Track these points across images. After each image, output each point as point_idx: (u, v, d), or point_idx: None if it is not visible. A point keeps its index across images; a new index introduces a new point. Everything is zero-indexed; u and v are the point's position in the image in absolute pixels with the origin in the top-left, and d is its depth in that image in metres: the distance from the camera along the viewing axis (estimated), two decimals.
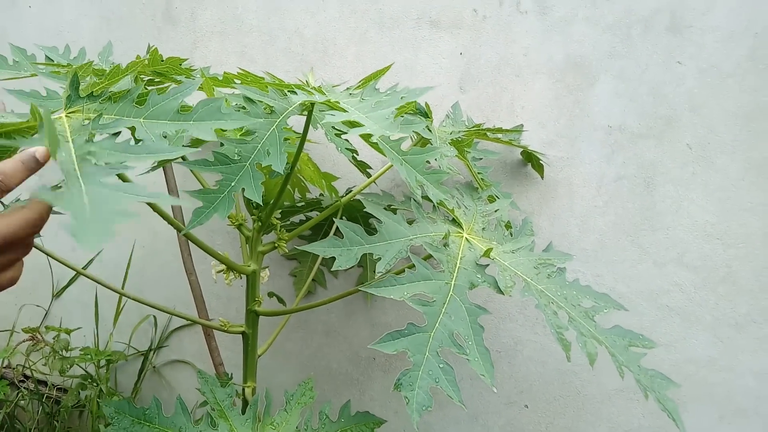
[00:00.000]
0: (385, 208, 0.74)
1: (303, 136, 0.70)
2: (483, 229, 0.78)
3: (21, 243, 0.48)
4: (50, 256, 0.84)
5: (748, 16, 0.85)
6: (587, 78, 0.94)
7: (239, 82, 0.73)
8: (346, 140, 0.81)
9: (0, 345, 1.48)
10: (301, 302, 1.03)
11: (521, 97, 0.98)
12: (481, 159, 0.94)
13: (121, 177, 0.66)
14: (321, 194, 1.05)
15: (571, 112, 0.96)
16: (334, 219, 0.94)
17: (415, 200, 0.72)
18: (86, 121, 0.53)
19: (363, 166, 0.97)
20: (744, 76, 0.86)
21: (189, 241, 0.99)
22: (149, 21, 1.21)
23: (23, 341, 1.35)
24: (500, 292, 0.66)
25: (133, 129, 0.55)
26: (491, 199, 0.88)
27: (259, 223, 0.83)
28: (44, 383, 1.48)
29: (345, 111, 0.60)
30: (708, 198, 0.91)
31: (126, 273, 1.29)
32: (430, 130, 0.80)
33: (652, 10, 0.89)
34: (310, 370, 1.23)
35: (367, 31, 1.06)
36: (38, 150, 0.49)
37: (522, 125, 0.98)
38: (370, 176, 0.92)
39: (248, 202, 0.86)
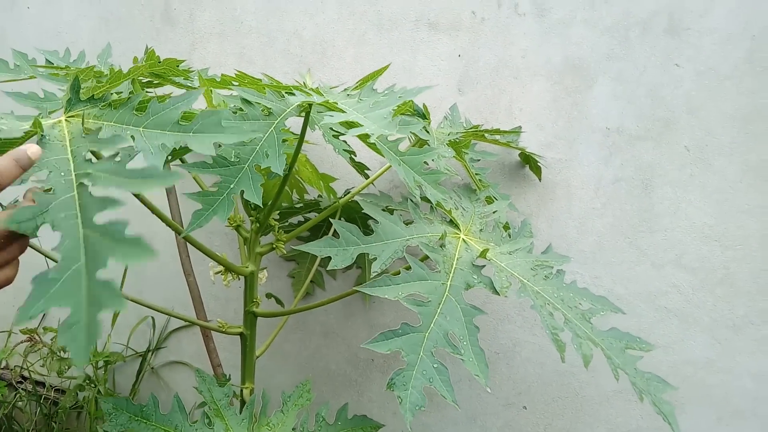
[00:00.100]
0: (382, 209, 0.74)
1: (301, 138, 0.71)
2: (480, 230, 0.79)
3: (16, 242, 0.48)
4: (48, 257, 0.84)
5: (745, 19, 0.85)
6: (585, 80, 0.95)
7: (237, 83, 0.73)
8: (344, 141, 0.82)
9: None
10: (299, 303, 1.03)
11: (519, 99, 0.99)
12: (479, 160, 0.94)
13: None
14: (319, 195, 1.05)
15: (569, 114, 0.96)
16: (331, 219, 0.94)
17: (412, 201, 0.72)
18: (86, 134, 0.53)
19: (361, 168, 0.97)
20: (741, 79, 0.86)
21: (187, 243, 0.99)
22: (148, 22, 1.21)
23: (21, 342, 1.35)
24: (496, 292, 0.66)
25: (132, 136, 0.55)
26: (489, 201, 0.88)
27: (257, 225, 0.84)
28: (42, 384, 1.48)
29: (343, 111, 0.60)
30: (706, 200, 0.91)
31: (124, 274, 1.29)
32: (428, 131, 0.80)
33: (650, 12, 0.89)
34: (308, 371, 1.23)
35: (366, 32, 1.06)
36: (30, 147, 0.49)
37: (520, 127, 0.98)
38: (369, 177, 0.93)
39: (246, 204, 0.86)
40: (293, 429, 0.83)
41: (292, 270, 1.16)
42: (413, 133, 0.82)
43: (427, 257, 0.69)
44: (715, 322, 0.93)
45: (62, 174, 0.48)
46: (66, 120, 0.55)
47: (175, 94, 0.59)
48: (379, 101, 0.63)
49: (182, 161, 0.89)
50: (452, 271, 0.66)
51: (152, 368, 1.38)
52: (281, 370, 1.26)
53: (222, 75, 0.75)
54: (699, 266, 0.92)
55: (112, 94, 0.62)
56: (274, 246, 0.86)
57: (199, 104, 1.03)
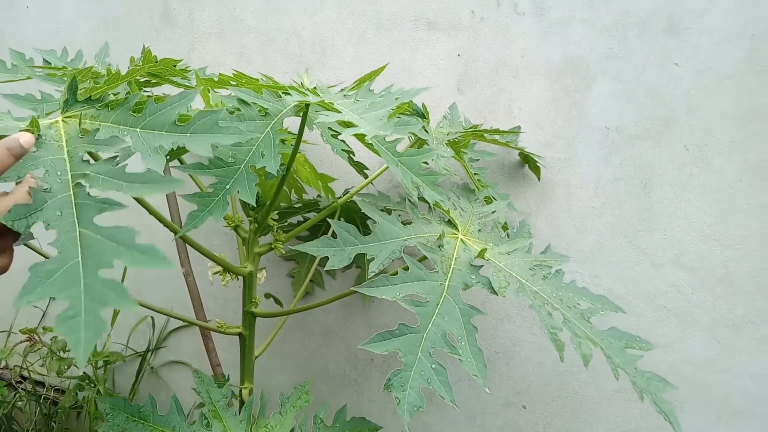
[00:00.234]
0: (380, 210, 0.73)
1: (298, 138, 0.70)
2: (479, 230, 0.78)
3: (10, 230, 0.48)
4: (47, 258, 0.83)
5: (745, 18, 0.85)
6: (584, 79, 0.94)
7: (234, 83, 0.73)
8: (343, 141, 0.81)
9: None
10: (298, 303, 1.03)
11: (519, 99, 0.98)
12: (478, 160, 0.94)
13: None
14: (318, 195, 1.05)
15: (569, 114, 0.96)
16: (329, 219, 0.94)
17: (410, 201, 0.72)
18: (82, 135, 0.53)
19: (360, 167, 0.97)
20: (741, 78, 0.86)
21: (186, 243, 0.99)
22: (147, 22, 1.21)
23: (21, 342, 1.35)
24: (494, 292, 0.65)
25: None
26: (488, 201, 0.88)
27: (256, 225, 0.83)
28: (42, 384, 1.48)
29: (339, 112, 0.60)
30: (705, 199, 0.91)
31: (123, 274, 1.29)
32: (427, 131, 0.80)
33: (650, 11, 0.89)
34: (307, 371, 1.23)
35: (365, 32, 1.06)
36: (23, 136, 0.49)
37: (519, 127, 0.98)
38: (368, 177, 0.92)
39: (245, 204, 0.86)
40: (291, 430, 0.83)
41: (292, 270, 1.16)
42: (412, 133, 0.82)
43: (425, 257, 0.69)
44: (715, 322, 0.93)
45: (58, 173, 0.48)
46: (63, 120, 0.55)
47: (172, 94, 0.59)
48: (375, 102, 0.63)
49: (180, 161, 0.89)
50: (450, 272, 0.66)
51: (152, 368, 1.38)
52: (280, 370, 1.26)
53: (219, 75, 0.75)
54: (698, 265, 0.92)
55: (109, 95, 0.62)
56: (273, 246, 0.86)
57: (197, 104, 1.03)
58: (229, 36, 1.15)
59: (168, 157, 0.75)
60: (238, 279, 0.88)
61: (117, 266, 0.43)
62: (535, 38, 0.96)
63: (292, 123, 0.87)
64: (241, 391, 0.90)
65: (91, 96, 0.58)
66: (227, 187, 0.61)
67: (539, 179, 0.99)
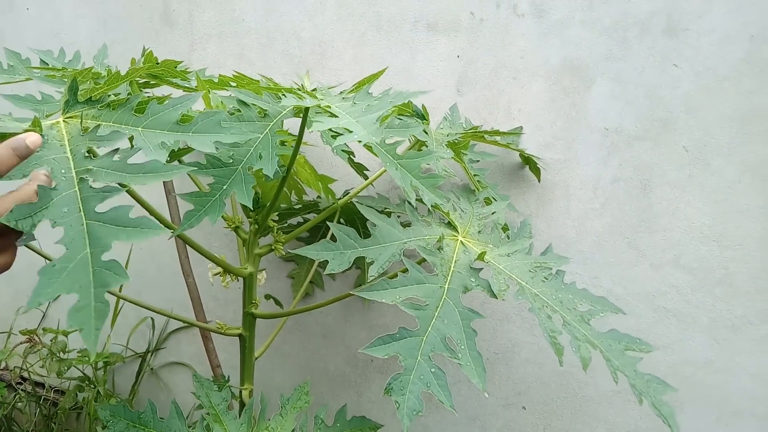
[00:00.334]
0: (380, 212, 0.73)
1: (298, 139, 0.70)
2: (479, 232, 0.78)
3: (10, 228, 0.48)
4: (47, 259, 0.84)
5: (744, 19, 0.85)
6: (584, 81, 0.94)
7: (234, 84, 0.73)
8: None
9: None
10: (298, 304, 1.03)
11: (518, 100, 0.98)
12: (478, 161, 0.94)
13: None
14: (318, 196, 1.05)
15: (568, 115, 0.96)
16: (328, 222, 0.94)
17: (409, 203, 0.72)
18: (84, 132, 0.53)
19: (360, 168, 0.97)
20: (740, 79, 0.86)
21: (186, 244, 0.99)
22: (147, 23, 1.21)
23: (21, 343, 1.35)
24: (494, 295, 0.65)
25: (131, 138, 0.55)
26: (488, 202, 0.88)
27: (256, 226, 0.83)
28: (42, 385, 1.48)
29: (335, 116, 0.60)
30: (704, 200, 0.91)
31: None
32: (427, 133, 0.80)
33: (649, 13, 0.89)
34: (307, 372, 1.23)
35: (365, 33, 1.06)
36: (29, 136, 0.49)
37: (520, 128, 0.98)
38: (368, 178, 0.92)
39: (245, 205, 0.86)
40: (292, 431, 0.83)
41: (292, 271, 1.16)
42: (413, 134, 0.82)
43: (425, 260, 0.69)
44: (714, 323, 0.93)
45: (62, 171, 0.49)
46: (64, 121, 0.55)
47: (174, 95, 0.59)
48: (372, 105, 0.63)
49: (180, 162, 0.89)
50: (450, 274, 0.66)
51: (152, 369, 1.38)
52: (280, 371, 1.26)
53: (220, 76, 0.75)
54: (698, 266, 0.92)
55: (109, 95, 0.62)
56: (273, 247, 0.86)
57: (197, 105, 1.03)
58: (229, 37, 1.15)
59: (169, 159, 0.75)
60: (238, 280, 0.88)
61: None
62: (535, 39, 0.96)
63: (293, 124, 0.87)
64: (241, 392, 0.90)
65: (91, 97, 0.58)
66: (224, 187, 0.61)
67: (539, 180, 0.99)
